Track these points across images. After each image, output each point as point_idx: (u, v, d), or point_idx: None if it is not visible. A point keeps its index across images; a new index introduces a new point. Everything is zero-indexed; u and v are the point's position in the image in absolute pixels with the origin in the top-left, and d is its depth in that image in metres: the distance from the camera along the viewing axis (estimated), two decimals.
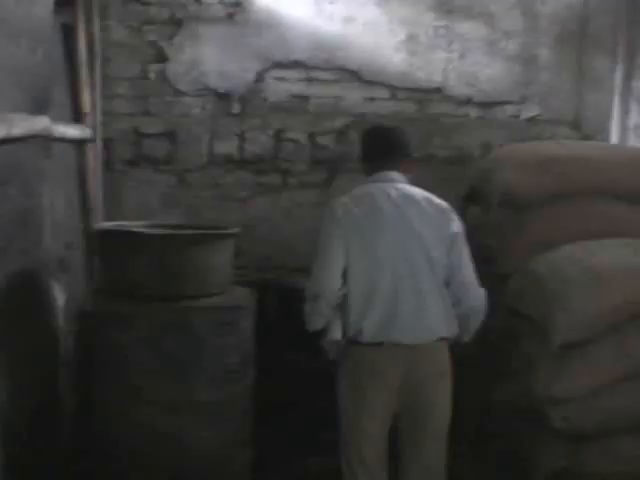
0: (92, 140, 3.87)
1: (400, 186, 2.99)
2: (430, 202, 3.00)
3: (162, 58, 4.24)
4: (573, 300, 2.98)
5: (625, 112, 4.48)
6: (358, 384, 2.85)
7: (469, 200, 3.90)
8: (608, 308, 2.96)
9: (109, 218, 3.97)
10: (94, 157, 3.94)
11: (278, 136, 4.37)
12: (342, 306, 2.86)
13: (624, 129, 4.48)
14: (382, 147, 3.07)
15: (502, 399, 3.39)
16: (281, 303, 3.89)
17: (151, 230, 3.35)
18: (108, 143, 4.18)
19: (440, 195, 4.27)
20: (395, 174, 3.03)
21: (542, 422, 3.06)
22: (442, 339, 2.87)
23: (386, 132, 3.15)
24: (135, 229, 3.36)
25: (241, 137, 4.33)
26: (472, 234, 3.78)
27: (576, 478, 3.00)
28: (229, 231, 3.33)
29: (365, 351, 2.83)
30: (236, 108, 4.30)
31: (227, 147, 4.32)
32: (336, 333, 2.88)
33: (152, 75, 4.26)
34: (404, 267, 2.84)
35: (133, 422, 3.10)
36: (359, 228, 2.86)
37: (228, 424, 3.24)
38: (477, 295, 2.95)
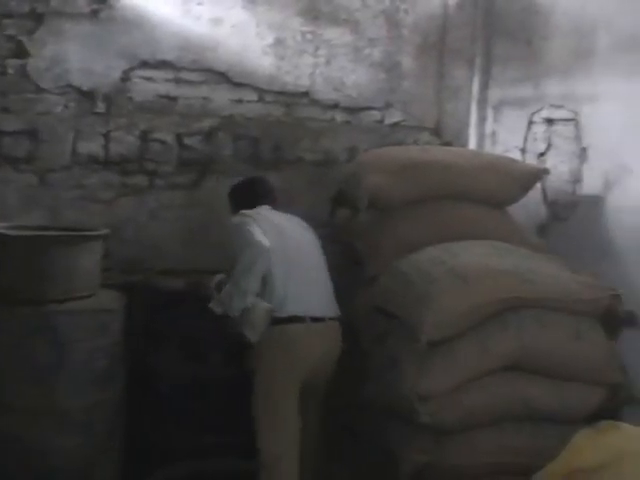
0: None
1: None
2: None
3: (22, 53, 4.06)
4: (438, 300, 3.10)
5: (482, 120, 4.72)
6: (284, 360, 3.23)
7: (337, 203, 3.98)
8: (471, 307, 3.10)
9: None
10: None
11: (145, 136, 4.28)
12: (263, 290, 3.28)
13: (481, 136, 4.71)
14: (254, 197, 3.65)
15: (368, 397, 3.47)
16: (149, 306, 3.83)
17: (14, 232, 3.24)
18: None
19: (309, 197, 4.42)
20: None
21: (407, 418, 3.15)
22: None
23: (254, 184, 3.78)
24: None
25: (106, 137, 4.21)
26: (341, 236, 3.91)
27: (439, 472, 3.12)
28: (97, 232, 3.27)
29: (289, 327, 3.25)
30: (101, 107, 4.18)
31: (91, 147, 4.18)
32: (265, 304, 3.24)
33: (11, 71, 4.06)
34: (309, 257, 3.46)
35: None
36: (270, 223, 3.41)
37: (96, 429, 3.20)
38: None
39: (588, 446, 2.38)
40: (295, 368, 3.27)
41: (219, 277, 3.46)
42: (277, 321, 3.27)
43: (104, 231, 3.30)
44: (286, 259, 3.34)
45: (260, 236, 3.30)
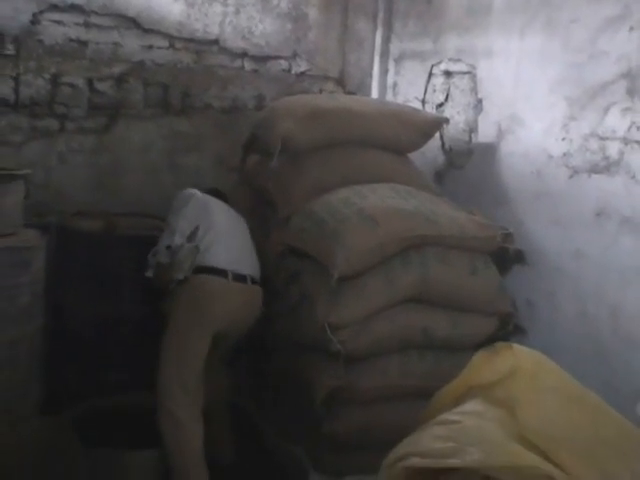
0: None
1: None
2: None
3: None
4: (349, 237, 3.32)
5: (384, 71, 4.94)
6: (200, 311, 3.31)
7: (248, 148, 4.13)
8: (378, 244, 3.34)
9: None
10: None
11: (55, 80, 4.27)
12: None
13: (383, 87, 4.94)
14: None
15: (281, 332, 3.68)
16: (65, 246, 3.89)
17: None
18: None
19: (217, 142, 4.56)
20: None
21: (319, 348, 3.38)
22: None
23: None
24: None
25: (16, 80, 4.18)
26: (253, 180, 4.07)
27: (350, 395, 3.37)
28: (20, 172, 3.32)
29: (210, 278, 3.36)
30: (10, 49, 4.13)
31: (1, 89, 4.14)
32: (191, 244, 3.40)
33: None
34: (238, 228, 3.69)
35: None
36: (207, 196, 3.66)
37: (20, 363, 3.28)
38: None
39: (485, 365, 2.57)
40: (210, 320, 3.34)
41: (155, 248, 3.54)
42: (200, 270, 3.39)
43: (26, 171, 3.36)
44: (215, 221, 3.52)
45: (193, 190, 3.60)
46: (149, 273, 3.50)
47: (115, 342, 3.85)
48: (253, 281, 3.53)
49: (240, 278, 3.45)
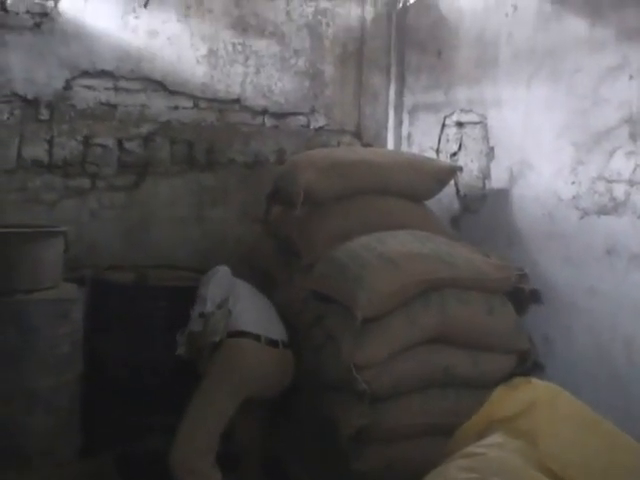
0: None
1: None
2: None
3: None
4: (371, 281, 3.45)
5: (399, 123, 5.15)
6: (236, 368, 3.44)
7: (272, 200, 4.32)
8: (400, 287, 3.46)
9: None
10: None
11: (86, 141, 4.52)
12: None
13: (398, 138, 5.14)
14: None
15: (306, 373, 3.80)
16: (100, 297, 4.06)
17: None
18: None
19: (241, 195, 4.77)
20: None
21: (344, 388, 3.47)
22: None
23: None
24: None
25: (50, 142, 4.43)
26: (277, 230, 4.25)
27: (375, 434, 3.46)
28: (59, 229, 3.53)
29: (245, 342, 3.51)
30: (45, 114, 4.40)
31: (36, 151, 4.40)
32: (223, 309, 3.53)
33: None
34: (264, 301, 3.91)
35: None
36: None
37: (60, 408, 3.46)
38: None
39: (504, 400, 2.66)
40: (243, 380, 3.47)
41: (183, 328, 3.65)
42: (233, 334, 3.52)
43: (64, 228, 3.57)
44: (243, 293, 3.72)
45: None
46: (180, 351, 3.58)
47: (149, 387, 3.99)
48: (284, 345, 3.66)
49: (272, 343, 3.59)
